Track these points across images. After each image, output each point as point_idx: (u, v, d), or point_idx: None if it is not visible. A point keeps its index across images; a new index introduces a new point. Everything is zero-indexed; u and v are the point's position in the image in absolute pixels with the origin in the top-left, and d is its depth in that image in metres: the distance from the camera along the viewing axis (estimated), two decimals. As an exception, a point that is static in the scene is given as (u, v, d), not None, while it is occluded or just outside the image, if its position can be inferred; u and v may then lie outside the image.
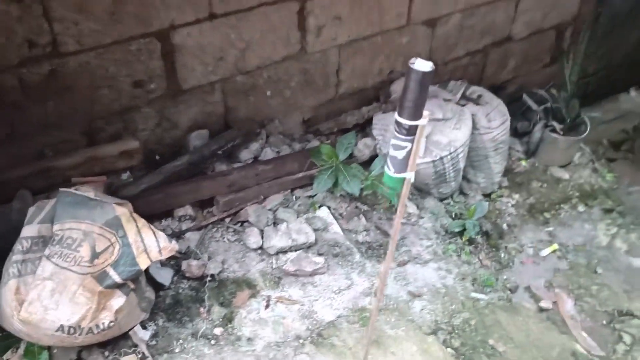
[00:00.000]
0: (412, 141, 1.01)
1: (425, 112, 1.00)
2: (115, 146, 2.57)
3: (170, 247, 2.16)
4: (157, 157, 2.89)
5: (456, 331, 2.74)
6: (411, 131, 0.99)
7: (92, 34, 2.43)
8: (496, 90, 3.98)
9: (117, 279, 2.06)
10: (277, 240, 2.72)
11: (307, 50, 3.10)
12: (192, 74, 2.81)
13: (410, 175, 1.04)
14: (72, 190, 2.22)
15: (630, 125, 4.82)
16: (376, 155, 3.25)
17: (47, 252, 2.10)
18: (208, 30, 2.71)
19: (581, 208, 4.01)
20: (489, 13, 3.67)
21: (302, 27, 2.99)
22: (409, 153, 1.03)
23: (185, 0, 2.56)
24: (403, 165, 1.05)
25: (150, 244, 2.13)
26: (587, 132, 4.02)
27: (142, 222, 2.19)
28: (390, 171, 1.06)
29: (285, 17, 2.90)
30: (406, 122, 0.99)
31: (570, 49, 4.18)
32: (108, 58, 2.54)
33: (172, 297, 2.50)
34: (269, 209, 2.90)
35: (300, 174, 2.98)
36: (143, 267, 2.10)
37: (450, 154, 3.18)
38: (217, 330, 2.43)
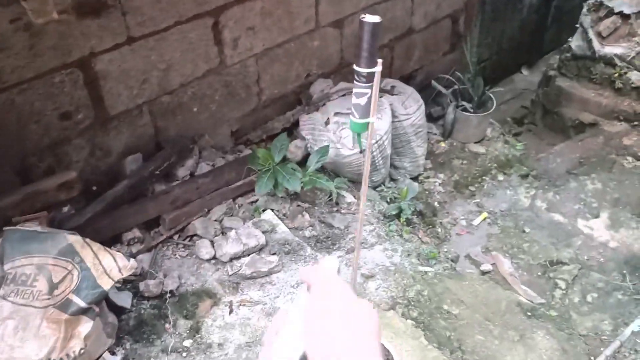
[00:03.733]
0: (371, 87, 1.15)
1: (379, 60, 1.13)
2: (53, 180, 2.54)
3: (129, 265, 2.18)
4: (94, 187, 2.88)
5: (412, 303, 2.89)
6: (369, 78, 1.12)
7: (14, 70, 2.42)
8: (406, 80, 4.24)
9: (81, 304, 2.06)
10: (228, 248, 2.77)
11: (226, 63, 3.19)
12: (119, 99, 2.83)
13: (372, 120, 1.16)
14: (17, 227, 2.19)
15: (528, 101, 5.25)
16: (308, 155, 3.38)
17: (1, 292, 2.07)
18: (129, 54, 2.75)
19: (501, 177, 4.32)
20: (389, 9, 3.91)
21: (218, 41, 3.08)
22: (369, 99, 1.16)
23: (103, 26, 2.59)
24: (366, 110, 1.18)
25: (110, 265, 2.14)
26: (494, 106, 4.34)
27: (97, 245, 2.19)
28: (355, 117, 1.18)
29: (201, 33, 2.98)
30: (364, 70, 1.13)
31: (467, 34, 4.51)
32: (32, 93, 2.52)
33: (135, 319, 2.50)
34: (215, 220, 2.95)
35: (240, 182, 3.06)
36: (106, 287, 2.10)
37: (377, 141, 3.37)
38: (187, 342, 2.46)
